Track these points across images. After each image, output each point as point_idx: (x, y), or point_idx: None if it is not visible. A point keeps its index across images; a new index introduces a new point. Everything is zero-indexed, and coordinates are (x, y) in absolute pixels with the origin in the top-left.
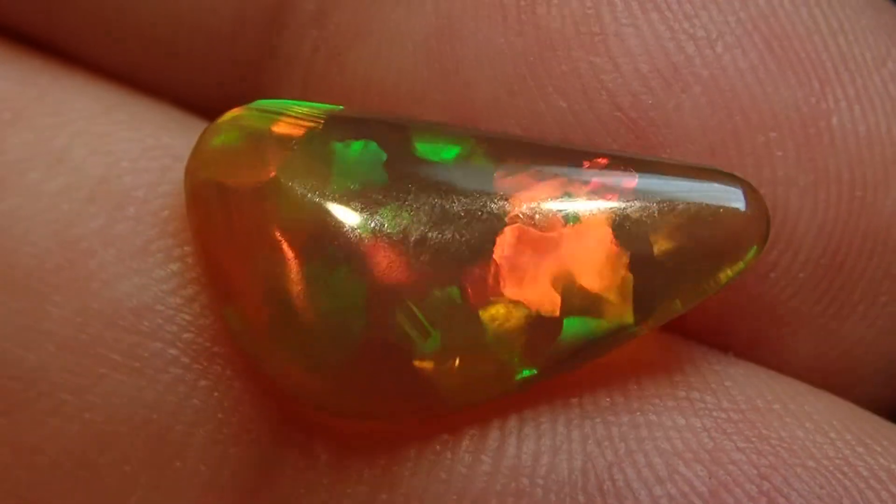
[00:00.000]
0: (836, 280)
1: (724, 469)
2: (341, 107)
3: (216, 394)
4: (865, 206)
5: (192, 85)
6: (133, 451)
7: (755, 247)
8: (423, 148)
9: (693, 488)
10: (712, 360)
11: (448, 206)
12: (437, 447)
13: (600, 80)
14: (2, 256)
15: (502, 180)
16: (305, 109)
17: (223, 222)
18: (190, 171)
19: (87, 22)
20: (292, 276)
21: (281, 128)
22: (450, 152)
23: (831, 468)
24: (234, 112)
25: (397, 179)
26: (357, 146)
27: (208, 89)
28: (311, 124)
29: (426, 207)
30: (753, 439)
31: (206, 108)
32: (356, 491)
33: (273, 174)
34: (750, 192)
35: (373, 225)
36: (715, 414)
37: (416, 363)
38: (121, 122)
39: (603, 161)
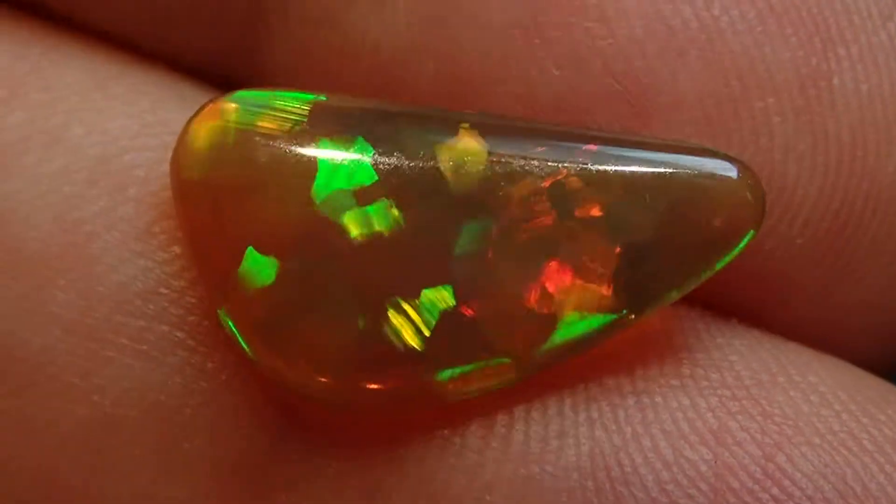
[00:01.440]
0: (836, 243)
1: (729, 450)
2: (324, 97)
3: (223, 376)
4: (867, 167)
5: (188, 47)
6: (141, 433)
7: (751, 231)
8: (411, 140)
9: (699, 473)
10: (716, 333)
11: (438, 202)
12: (446, 432)
13: (595, 45)
14: (5, 240)
15: (492, 173)
16: (290, 102)
17: (211, 222)
18: (175, 170)
19: None
20: (282, 277)
21: (266, 123)
22: (439, 144)
23: (836, 443)
24: (217, 105)
25: (385, 175)
26: (343, 141)
27: (205, 51)
28: (296, 118)
29: (416, 203)
30: (758, 417)
31: (204, 71)
32: (364, 476)
33: (259, 173)
34: (746, 173)
35: (362, 223)
36: (720, 392)
37: (412, 363)
38: (117, 97)
39: (593, 147)
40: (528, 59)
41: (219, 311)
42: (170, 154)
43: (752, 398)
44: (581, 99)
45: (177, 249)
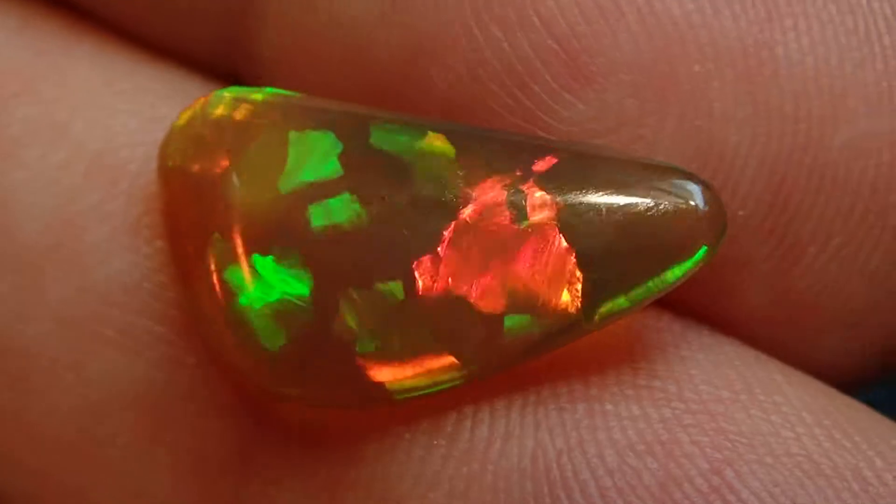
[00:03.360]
0: (781, 219)
1: (676, 462)
2: (300, 94)
3: (201, 371)
4: (811, 140)
5: (192, 37)
6: (126, 425)
7: (706, 246)
8: (379, 139)
9: (642, 482)
10: (682, 346)
11: (399, 200)
12: (400, 429)
13: (535, 7)
14: (5, 231)
15: (455, 176)
16: (268, 97)
17: (184, 210)
18: (160, 158)
19: None
20: (243, 266)
21: (241, 116)
22: (406, 144)
23: (791, 465)
24: (202, 99)
25: (351, 170)
26: (313, 136)
27: (207, 44)
28: (271, 112)
29: (377, 200)
30: (711, 433)
31: (215, 67)
32: (328, 471)
33: (229, 163)
34: (707, 191)
35: (323, 215)
36: (674, 404)
37: (359, 358)
38: (123, 93)
39: (554, 158)
40: (472, 22)
41: (184, 297)
42: None
43: (708, 413)
44: (521, 59)
45: (160, 244)
